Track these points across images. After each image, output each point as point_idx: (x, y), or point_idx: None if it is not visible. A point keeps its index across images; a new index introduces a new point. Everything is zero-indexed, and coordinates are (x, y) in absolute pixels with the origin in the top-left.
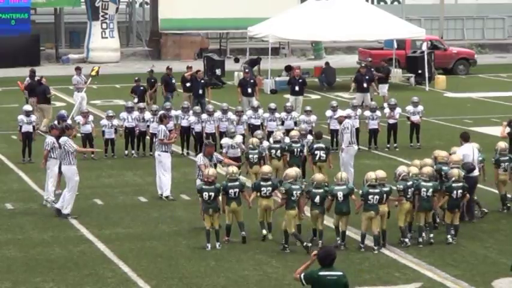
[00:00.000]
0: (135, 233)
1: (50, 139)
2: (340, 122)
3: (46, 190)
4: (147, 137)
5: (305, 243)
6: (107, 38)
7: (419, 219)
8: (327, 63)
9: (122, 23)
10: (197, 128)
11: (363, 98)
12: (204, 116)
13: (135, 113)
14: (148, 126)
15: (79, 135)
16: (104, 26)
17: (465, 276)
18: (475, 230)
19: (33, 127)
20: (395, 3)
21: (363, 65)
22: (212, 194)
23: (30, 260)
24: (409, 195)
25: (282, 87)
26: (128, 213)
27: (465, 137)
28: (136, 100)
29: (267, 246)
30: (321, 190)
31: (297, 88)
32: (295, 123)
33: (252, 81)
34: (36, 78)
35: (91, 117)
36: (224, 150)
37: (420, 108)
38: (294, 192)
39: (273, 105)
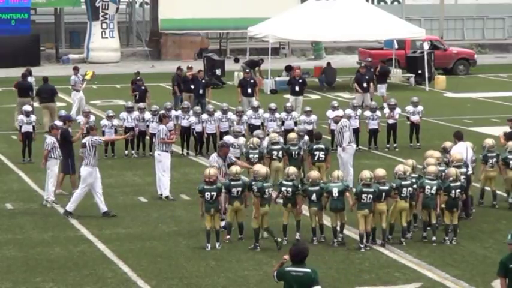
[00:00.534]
0: (135, 233)
1: (50, 139)
2: (336, 122)
3: (46, 190)
4: (147, 137)
5: (276, 238)
6: (107, 38)
7: (424, 216)
8: (328, 64)
9: (122, 23)
10: (198, 128)
11: (363, 98)
12: (205, 116)
13: (135, 113)
14: (148, 126)
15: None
16: (104, 26)
17: (465, 276)
18: (475, 230)
19: (33, 127)
20: (395, 3)
21: (363, 65)
22: (214, 193)
23: (30, 260)
24: (403, 193)
25: (282, 87)
26: (128, 213)
27: (459, 136)
28: (138, 96)
29: (267, 246)
30: (317, 187)
31: (297, 88)
32: (295, 124)
33: (252, 81)
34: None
35: (92, 118)
36: None
37: (420, 108)
38: (266, 190)
39: (273, 106)
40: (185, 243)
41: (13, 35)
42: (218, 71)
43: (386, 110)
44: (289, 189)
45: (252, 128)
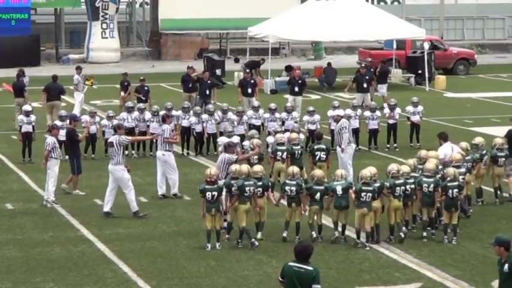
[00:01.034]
0: (135, 233)
1: (50, 139)
2: (336, 121)
3: (46, 190)
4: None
5: (252, 240)
6: (107, 38)
7: (423, 215)
8: (328, 64)
9: (122, 23)
10: (198, 128)
11: (363, 98)
12: (205, 116)
13: (135, 113)
14: (148, 126)
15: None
16: (104, 26)
17: (465, 276)
18: (475, 230)
19: (33, 127)
20: (396, 3)
21: (363, 65)
22: (215, 193)
23: (30, 260)
24: (397, 192)
25: (282, 87)
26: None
27: (443, 137)
28: (143, 98)
29: (267, 246)
30: (322, 187)
31: (296, 89)
32: (296, 123)
33: (252, 81)
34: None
35: (97, 118)
36: (220, 149)
37: (420, 108)
38: (247, 188)
39: (273, 106)
40: (185, 243)
41: (13, 35)
42: (218, 71)
43: (386, 110)
44: (293, 188)
45: (252, 128)
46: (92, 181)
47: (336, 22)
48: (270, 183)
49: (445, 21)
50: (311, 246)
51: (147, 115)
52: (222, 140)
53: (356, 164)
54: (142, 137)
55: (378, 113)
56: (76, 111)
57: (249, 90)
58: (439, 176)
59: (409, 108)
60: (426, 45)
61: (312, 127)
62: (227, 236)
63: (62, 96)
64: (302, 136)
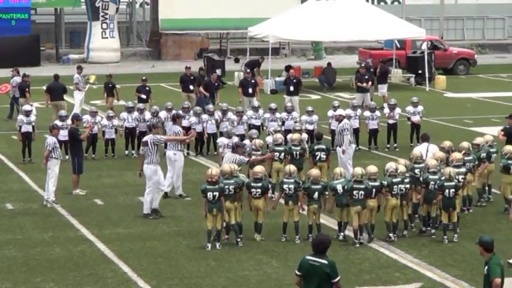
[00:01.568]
0: (135, 233)
1: (51, 139)
2: (338, 121)
3: (46, 190)
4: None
5: (209, 245)
6: (107, 38)
7: (424, 212)
8: (328, 64)
9: (122, 23)
10: (198, 128)
11: (363, 98)
12: (205, 116)
13: (136, 113)
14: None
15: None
16: (104, 26)
17: (465, 276)
18: (475, 230)
19: (33, 127)
20: (396, 3)
21: (363, 65)
22: (216, 193)
23: (30, 260)
24: (394, 191)
25: (282, 87)
26: (128, 213)
27: (424, 138)
28: (144, 96)
29: (267, 246)
30: (319, 186)
31: (291, 88)
32: (296, 123)
33: (253, 81)
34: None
35: (98, 118)
36: (220, 150)
37: (420, 108)
38: (226, 187)
39: (273, 106)
40: (185, 243)
41: (13, 35)
42: (218, 71)
43: (386, 110)
44: (291, 186)
45: (252, 128)
46: (92, 181)
47: (336, 22)
48: (269, 185)
49: (445, 21)
50: (328, 240)
51: (147, 115)
52: (222, 140)
53: (356, 164)
54: (179, 137)
55: (377, 113)
56: (76, 110)
57: (250, 90)
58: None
59: (409, 108)
60: (425, 46)
61: (310, 127)
62: (226, 236)
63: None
64: (305, 136)
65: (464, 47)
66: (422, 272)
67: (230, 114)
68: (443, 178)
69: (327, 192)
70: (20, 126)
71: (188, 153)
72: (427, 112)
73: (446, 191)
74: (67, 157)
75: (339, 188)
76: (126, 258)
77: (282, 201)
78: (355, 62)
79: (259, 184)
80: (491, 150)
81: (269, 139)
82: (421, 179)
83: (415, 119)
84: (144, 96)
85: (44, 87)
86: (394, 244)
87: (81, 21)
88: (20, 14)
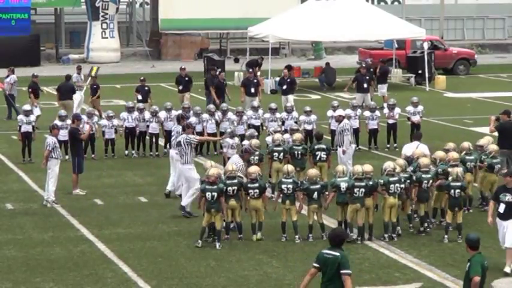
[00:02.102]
0: (135, 233)
1: (51, 139)
2: (338, 121)
3: (46, 190)
4: (147, 137)
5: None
6: (107, 38)
7: (420, 210)
8: (327, 64)
9: (122, 23)
10: (198, 128)
11: (363, 98)
12: (206, 115)
13: (136, 113)
14: (148, 126)
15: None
16: (104, 26)
17: None
18: (475, 230)
19: (33, 127)
20: (396, 3)
21: (363, 65)
22: (215, 194)
23: (31, 260)
24: (391, 190)
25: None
26: (128, 213)
27: (415, 136)
28: (140, 97)
29: (267, 246)
30: (318, 186)
31: (284, 87)
32: (296, 123)
33: (255, 81)
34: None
35: (95, 118)
36: (224, 150)
37: (420, 108)
38: (229, 188)
39: (273, 105)
40: (185, 243)
41: (13, 35)
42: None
43: (386, 110)
44: (290, 186)
45: (251, 128)
46: (92, 181)
47: (336, 22)
48: (266, 184)
49: (445, 21)
50: (344, 233)
51: (147, 115)
52: (227, 141)
53: (356, 163)
54: (211, 138)
55: (377, 113)
56: (76, 110)
57: (252, 90)
58: (411, 169)
59: (409, 108)
60: (426, 46)
61: (308, 127)
62: (226, 236)
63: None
64: (287, 136)
65: (464, 47)
66: (422, 272)
67: (230, 114)
68: (450, 178)
69: (327, 192)
70: (20, 126)
71: None
72: (427, 112)
73: (452, 191)
74: (67, 157)
75: (343, 185)
76: (126, 258)
77: (280, 200)
78: (355, 62)
79: (256, 184)
80: (493, 161)
81: (269, 139)
82: (414, 177)
83: (415, 119)
84: (140, 97)
85: (43, 88)
86: (394, 244)
87: (81, 21)
88: (20, 14)
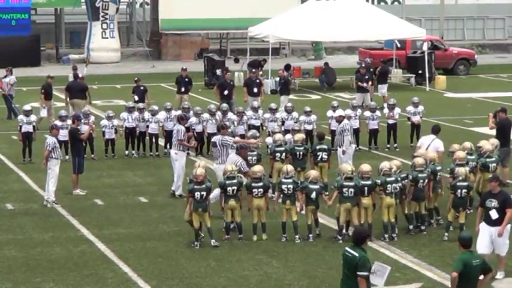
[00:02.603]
0: (136, 233)
1: (51, 139)
2: (338, 122)
3: (47, 190)
4: (147, 137)
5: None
6: (107, 38)
7: (419, 209)
8: (326, 64)
9: (122, 23)
10: (198, 128)
11: (363, 98)
12: (206, 115)
13: (136, 113)
14: (147, 126)
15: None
16: (104, 26)
17: None
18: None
19: (33, 127)
20: (396, 3)
21: (363, 65)
22: (204, 193)
23: (31, 260)
24: (388, 190)
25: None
26: (128, 213)
27: (433, 130)
28: (137, 98)
29: (267, 246)
30: (317, 186)
31: (278, 88)
32: (296, 124)
33: (258, 81)
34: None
35: (92, 118)
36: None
37: (420, 108)
38: (228, 188)
39: (273, 106)
40: (185, 244)
41: (13, 35)
42: (218, 72)
43: (386, 110)
44: (290, 186)
45: (251, 128)
46: (92, 181)
47: (336, 22)
48: (270, 184)
49: (445, 21)
50: (365, 231)
51: (147, 115)
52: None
53: (356, 164)
54: (247, 140)
55: (377, 113)
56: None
57: (255, 90)
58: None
59: (410, 108)
60: (425, 46)
61: (309, 127)
62: (227, 236)
63: (59, 95)
64: (289, 136)
65: (464, 47)
66: (423, 272)
67: (230, 115)
68: (460, 178)
69: (327, 193)
70: (20, 126)
71: (188, 153)
72: (427, 112)
73: (459, 191)
74: (67, 157)
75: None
76: (126, 258)
77: (280, 200)
78: (355, 62)
79: (260, 184)
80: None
81: (269, 139)
82: (410, 177)
83: (415, 119)
84: (136, 98)
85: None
86: (394, 244)
87: (81, 21)
88: (20, 14)
